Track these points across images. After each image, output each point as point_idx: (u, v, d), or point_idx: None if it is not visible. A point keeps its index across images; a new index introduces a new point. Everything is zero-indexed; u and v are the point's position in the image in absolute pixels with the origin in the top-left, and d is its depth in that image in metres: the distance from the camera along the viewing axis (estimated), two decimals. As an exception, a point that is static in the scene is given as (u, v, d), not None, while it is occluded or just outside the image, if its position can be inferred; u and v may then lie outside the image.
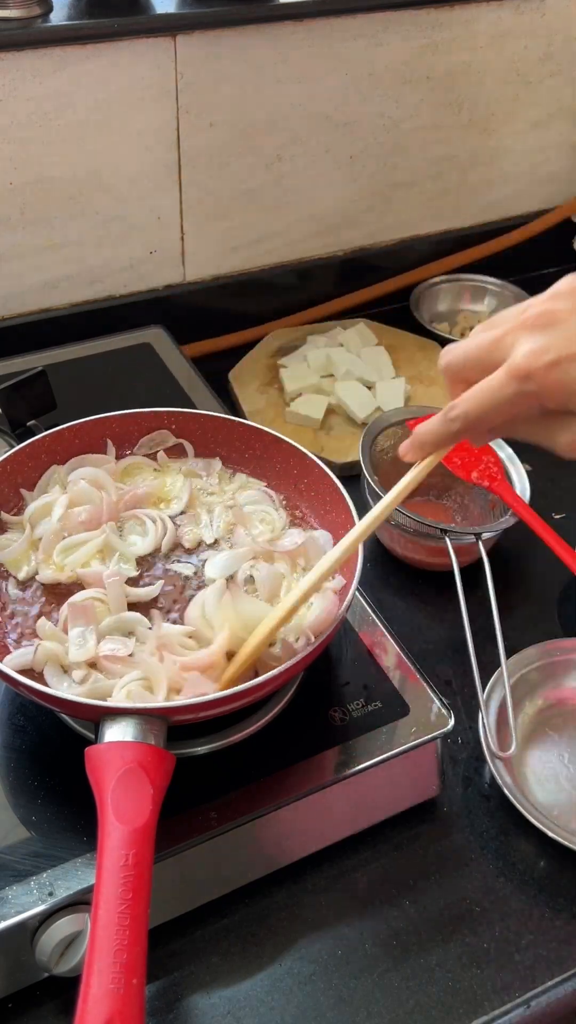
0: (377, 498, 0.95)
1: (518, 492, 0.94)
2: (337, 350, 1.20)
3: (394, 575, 0.99)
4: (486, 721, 0.80)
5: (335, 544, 0.79)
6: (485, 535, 0.92)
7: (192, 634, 0.70)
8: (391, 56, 1.19)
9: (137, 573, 0.76)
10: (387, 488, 0.95)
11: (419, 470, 0.64)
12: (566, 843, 0.74)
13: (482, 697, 0.81)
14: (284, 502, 0.83)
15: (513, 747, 0.78)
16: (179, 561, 0.77)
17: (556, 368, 0.54)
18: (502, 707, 0.82)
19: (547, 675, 0.87)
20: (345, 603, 0.70)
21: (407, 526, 0.94)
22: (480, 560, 0.90)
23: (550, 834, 0.74)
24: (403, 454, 0.64)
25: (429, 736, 0.74)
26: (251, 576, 0.76)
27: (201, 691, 0.64)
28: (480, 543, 0.91)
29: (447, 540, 0.90)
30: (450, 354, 0.60)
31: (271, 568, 0.76)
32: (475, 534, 0.91)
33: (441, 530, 0.91)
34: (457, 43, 1.22)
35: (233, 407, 1.18)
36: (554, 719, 0.85)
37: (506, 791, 0.77)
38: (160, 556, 0.77)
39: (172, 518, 0.80)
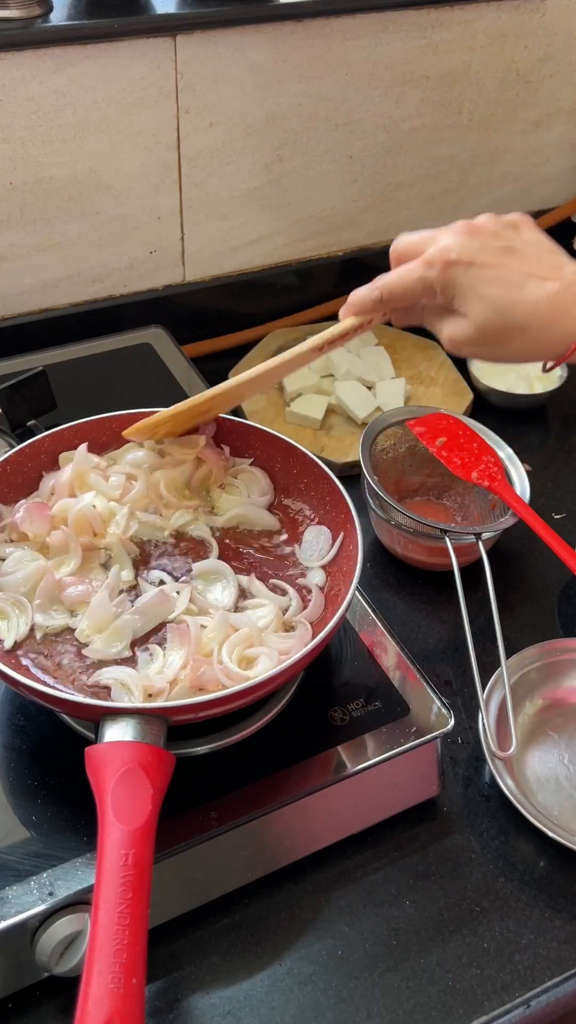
0: (377, 497, 0.95)
1: (518, 492, 0.94)
2: (337, 350, 1.20)
3: (394, 575, 0.99)
4: (486, 721, 0.80)
5: (334, 539, 0.79)
6: (485, 535, 0.92)
7: None
8: (391, 56, 1.19)
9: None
10: (387, 488, 0.96)
11: (346, 324, 0.74)
12: (566, 843, 0.74)
13: (482, 697, 0.81)
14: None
15: (513, 747, 0.78)
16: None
17: (451, 267, 0.66)
18: (502, 707, 0.82)
19: (547, 675, 0.87)
20: (345, 603, 0.69)
21: (407, 526, 0.94)
22: (480, 560, 0.90)
23: (550, 834, 0.74)
24: (341, 313, 0.74)
25: (429, 736, 0.75)
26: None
27: None
28: (480, 543, 0.91)
29: (447, 540, 0.90)
30: (399, 240, 0.72)
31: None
32: (475, 534, 0.91)
33: (441, 530, 0.91)
34: (457, 43, 1.22)
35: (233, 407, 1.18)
36: (554, 719, 0.85)
37: (506, 791, 0.77)
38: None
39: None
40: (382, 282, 0.70)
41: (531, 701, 0.86)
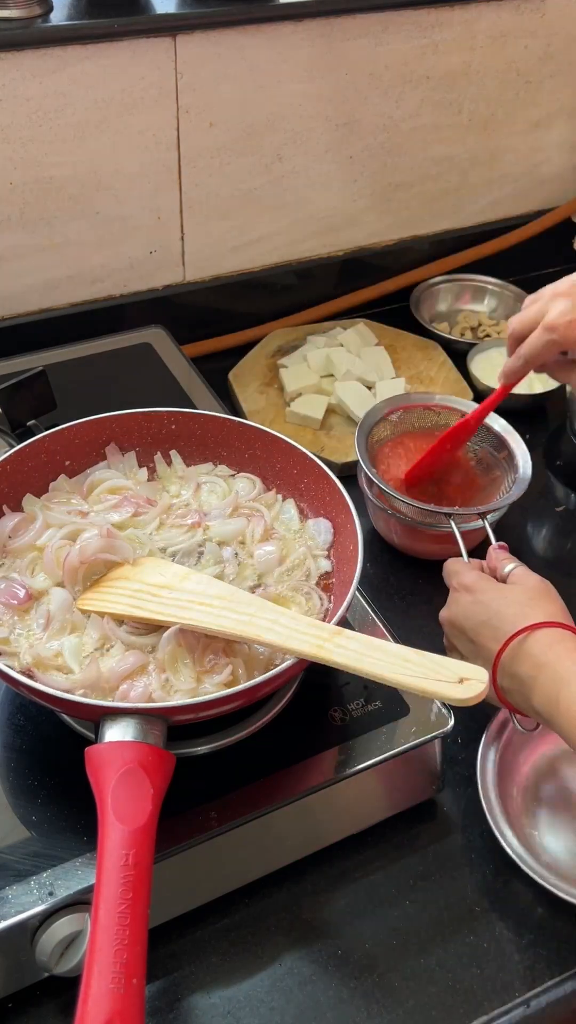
0: (375, 487, 0.94)
1: (519, 463, 0.96)
2: (337, 350, 1.20)
3: (394, 575, 0.99)
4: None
5: (333, 533, 0.80)
6: (490, 516, 0.91)
7: None
8: (391, 56, 1.19)
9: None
10: (386, 479, 0.95)
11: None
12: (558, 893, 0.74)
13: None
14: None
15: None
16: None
17: (573, 325, 0.81)
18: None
19: None
20: (345, 603, 0.69)
21: (410, 515, 0.93)
22: (485, 542, 0.88)
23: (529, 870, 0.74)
24: (500, 379, 0.91)
25: (429, 736, 0.75)
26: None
27: None
28: (486, 524, 0.90)
29: (452, 524, 0.90)
30: (512, 323, 0.87)
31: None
32: (480, 514, 0.91)
33: (446, 514, 0.91)
34: (457, 43, 1.22)
35: (233, 407, 1.18)
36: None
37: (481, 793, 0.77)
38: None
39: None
40: (521, 351, 0.86)
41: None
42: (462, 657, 0.78)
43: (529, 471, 0.95)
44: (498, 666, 0.73)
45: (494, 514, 0.94)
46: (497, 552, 0.83)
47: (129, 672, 0.68)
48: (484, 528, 0.90)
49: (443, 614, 0.81)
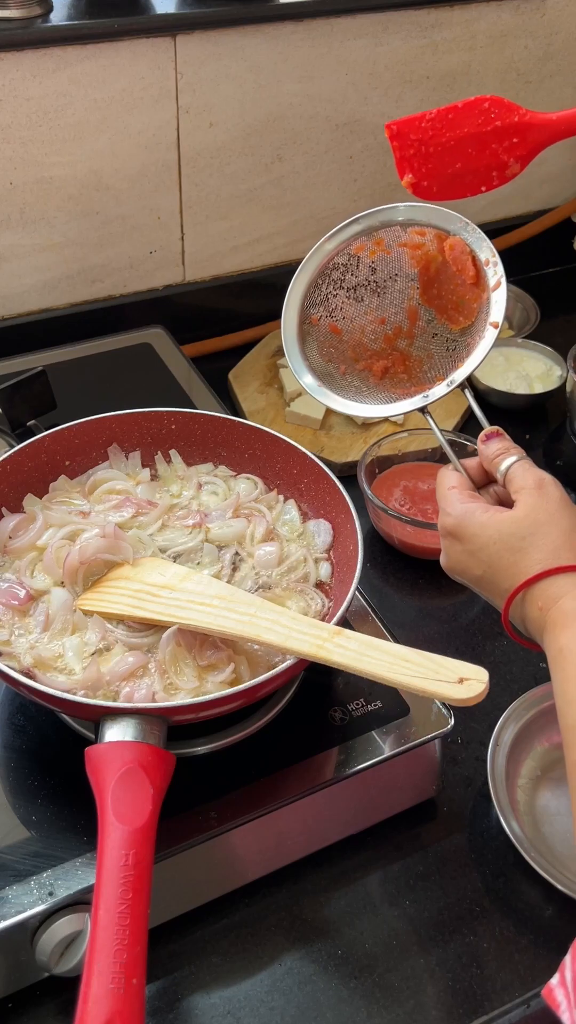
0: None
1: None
2: (337, 350, 1.20)
3: (394, 575, 0.99)
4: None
5: (333, 534, 0.80)
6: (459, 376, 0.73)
7: None
8: (391, 56, 1.19)
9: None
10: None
11: None
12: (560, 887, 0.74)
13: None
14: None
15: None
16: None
17: None
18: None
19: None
20: (345, 603, 0.70)
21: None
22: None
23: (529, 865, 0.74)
24: None
25: (429, 736, 0.74)
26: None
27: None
28: (469, 396, 0.74)
29: (429, 419, 0.75)
30: None
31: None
32: (458, 384, 0.73)
33: (420, 410, 0.74)
34: (457, 43, 1.22)
35: (233, 407, 1.18)
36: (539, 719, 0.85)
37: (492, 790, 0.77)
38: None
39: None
40: None
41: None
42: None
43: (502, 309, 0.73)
44: (507, 620, 0.67)
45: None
46: (488, 446, 0.70)
47: (130, 672, 0.68)
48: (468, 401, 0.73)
49: (442, 563, 0.72)
